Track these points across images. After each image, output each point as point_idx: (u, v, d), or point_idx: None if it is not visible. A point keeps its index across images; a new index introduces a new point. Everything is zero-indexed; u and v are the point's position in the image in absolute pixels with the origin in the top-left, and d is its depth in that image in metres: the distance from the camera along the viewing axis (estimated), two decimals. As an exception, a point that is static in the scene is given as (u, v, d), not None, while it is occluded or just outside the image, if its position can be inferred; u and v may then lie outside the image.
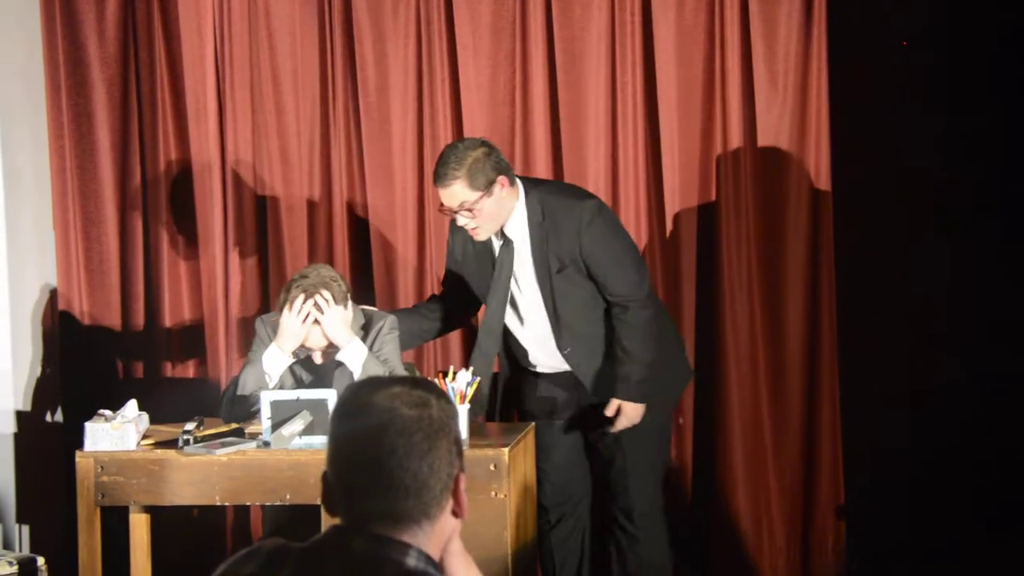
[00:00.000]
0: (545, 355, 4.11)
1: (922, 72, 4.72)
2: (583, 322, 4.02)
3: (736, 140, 4.62)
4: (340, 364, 3.92)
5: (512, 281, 4.04)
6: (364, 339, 4.01)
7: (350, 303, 3.98)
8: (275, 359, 3.89)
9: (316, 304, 3.83)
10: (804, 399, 4.63)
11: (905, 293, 4.74)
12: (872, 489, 4.68)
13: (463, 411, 3.69)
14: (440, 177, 3.87)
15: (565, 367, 4.08)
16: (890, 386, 4.70)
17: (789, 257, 4.64)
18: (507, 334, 4.14)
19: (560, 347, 4.04)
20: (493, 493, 3.58)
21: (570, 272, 3.96)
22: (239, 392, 3.93)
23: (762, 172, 4.62)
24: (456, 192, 3.85)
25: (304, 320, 3.84)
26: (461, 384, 3.74)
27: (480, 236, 3.95)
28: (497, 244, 4.03)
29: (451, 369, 3.86)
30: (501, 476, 3.59)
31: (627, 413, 3.99)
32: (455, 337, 4.79)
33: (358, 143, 4.84)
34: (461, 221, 3.91)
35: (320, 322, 3.84)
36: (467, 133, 4.72)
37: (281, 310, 3.89)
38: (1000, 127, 4.67)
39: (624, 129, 4.65)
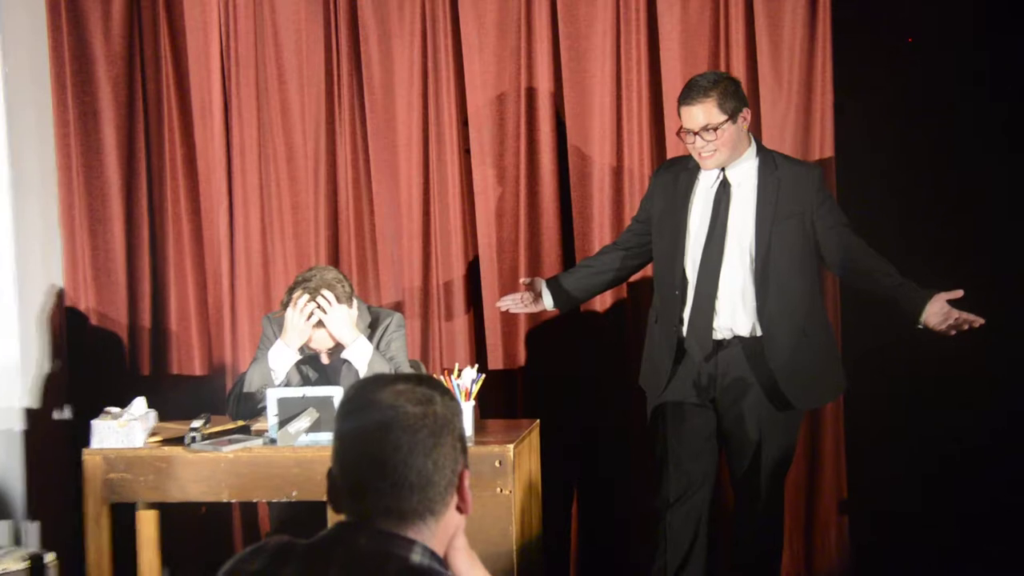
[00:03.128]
0: (735, 314, 3.93)
1: (928, 68, 4.72)
2: (788, 278, 3.91)
3: (741, 136, 4.62)
4: (347, 362, 3.96)
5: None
6: (371, 337, 4.05)
7: (356, 301, 4.02)
8: (281, 355, 3.93)
9: (319, 305, 3.88)
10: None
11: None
12: (875, 484, 4.70)
13: (468, 408, 3.73)
14: (690, 94, 3.90)
15: (746, 332, 3.93)
16: (893, 381, 4.71)
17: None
18: (676, 297, 3.98)
19: (757, 299, 3.90)
20: (498, 489, 3.61)
21: (793, 225, 3.91)
22: (245, 389, 3.97)
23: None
24: (705, 111, 3.87)
25: (308, 317, 3.88)
26: (466, 381, 3.77)
27: (711, 163, 3.92)
28: (712, 187, 3.97)
29: (456, 366, 3.89)
30: (506, 472, 3.61)
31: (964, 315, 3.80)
32: (461, 334, 4.81)
33: (363, 140, 4.86)
34: (699, 144, 3.89)
35: (324, 321, 3.89)
36: (472, 131, 4.75)
37: (284, 308, 3.93)
38: (1013, 123, 4.68)
39: (629, 126, 4.67)
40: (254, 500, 3.85)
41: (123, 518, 4.02)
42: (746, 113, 3.93)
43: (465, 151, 4.81)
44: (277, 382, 3.93)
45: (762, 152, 4.02)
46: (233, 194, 4.92)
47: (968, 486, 4.69)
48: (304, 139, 4.88)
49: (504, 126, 4.77)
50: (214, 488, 3.72)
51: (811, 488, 4.67)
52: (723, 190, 3.96)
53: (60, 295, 4.92)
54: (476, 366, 3.90)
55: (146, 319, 4.99)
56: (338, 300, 3.92)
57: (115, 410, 3.86)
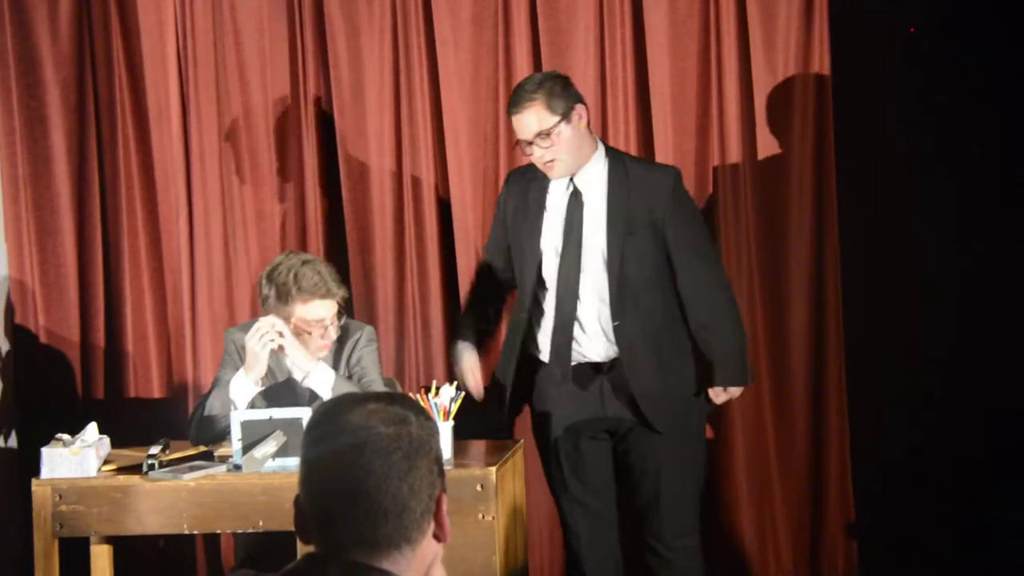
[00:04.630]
0: (594, 333, 3.91)
1: (930, 59, 4.73)
2: (645, 294, 3.87)
3: (734, 136, 4.62)
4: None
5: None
6: (339, 351, 4.00)
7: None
8: (242, 387, 3.86)
9: (279, 331, 3.81)
10: (810, 411, 4.63)
11: (917, 296, 4.75)
12: (884, 505, 4.68)
13: (446, 428, 3.69)
14: (515, 102, 3.84)
15: (610, 353, 3.91)
16: (901, 395, 4.70)
17: (792, 261, 4.65)
18: (537, 319, 3.99)
19: (614, 317, 3.86)
20: (480, 515, 3.57)
21: (646, 236, 3.86)
22: (206, 414, 3.91)
23: (762, 171, 4.63)
24: (534, 117, 3.80)
25: (264, 347, 3.82)
26: (445, 400, 3.73)
27: (555, 171, 3.86)
28: (563, 197, 3.92)
29: (434, 384, 3.85)
30: (489, 497, 3.58)
31: (731, 396, 3.98)
32: (439, 349, 4.79)
33: (332, 145, 4.84)
34: (537, 153, 3.83)
35: (283, 347, 3.83)
36: (448, 132, 4.74)
37: (264, 303, 3.88)
38: (1012, 116, 4.69)
39: (615, 126, 4.66)
40: (217, 531, 3.82)
41: (75, 553, 3.97)
42: (581, 110, 3.85)
43: (440, 155, 4.79)
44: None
45: (611, 155, 3.95)
46: (193, 204, 4.89)
47: (982, 505, 4.69)
48: (268, 144, 4.86)
49: (481, 128, 4.76)
50: (174, 519, 3.66)
51: (815, 511, 4.65)
52: (575, 200, 3.90)
53: (7, 313, 4.86)
54: (455, 384, 3.86)
55: (100, 338, 4.95)
56: (340, 287, 3.94)
57: (66, 437, 3.81)
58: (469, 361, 4.11)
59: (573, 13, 4.67)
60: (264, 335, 3.80)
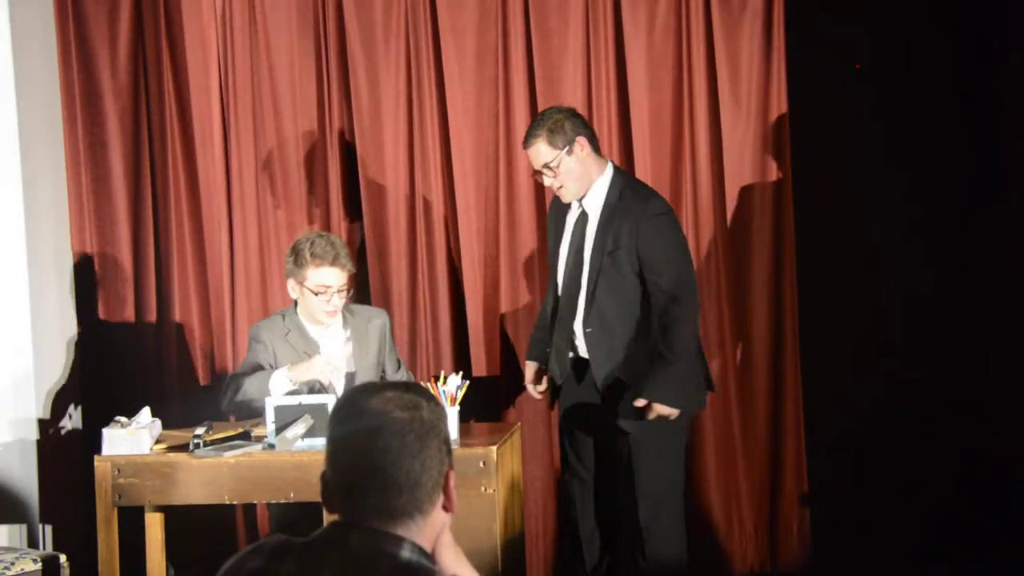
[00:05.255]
0: (579, 333, 3.92)
1: (874, 90, 4.75)
2: (613, 313, 3.82)
3: (704, 157, 4.63)
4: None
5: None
6: (365, 328, 4.12)
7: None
8: (281, 385, 3.91)
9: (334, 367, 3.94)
10: (770, 398, 4.64)
11: (863, 297, 4.77)
12: (833, 479, 4.69)
13: (453, 413, 3.70)
14: (525, 139, 3.90)
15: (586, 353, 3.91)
16: (848, 386, 4.72)
17: (754, 267, 4.65)
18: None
19: (584, 324, 3.86)
20: (483, 489, 3.58)
21: (620, 256, 3.80)
22: (240, 398, 3.94)
23: (728, 187, 4.63)
24: (538, 151, 3.85)
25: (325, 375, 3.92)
26: (452, 387, 3.74)
27: (565, 196, 3.89)
28: (575, 216, 3.94)
29: (442, 373, 3.87)
30: (490, 472, 3.58)
31: (659, 412, 3.77)
32: (446, 343, 4.79)
33: (353, 164, 4.84)
34: (547, 181, 3.88)
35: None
36: (454, 154, 4.74)
37: (287, 272, 4.00)
38: (956, 135, 4.71)
39: (600, 148, 4.64)
40: (254, 502, 3.82)
41: (131, 521, 3.98)
42: (582, 142, 3.83)
43: (448, 174, 4.79)
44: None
45: (616, 179, 3.90)
46: (233, 217, 4.88)
47: (922, 479, 4.70)
48: (298, 164, 4.86)
49: (484, 150, 4.76)
50: (216, 491, 3.68)
51: (774, 483, 4.66)
52: (582, 220, 3.92)
53: (72, 314, 4.87)
54: (461, 373, 3.87)
55: (152, 334, 4.94)
56: (352, 265, 4.03)
57: (123, 419, 3.82)
58: (528, 375, 4.17)
59: (564, 51, 4.68)
60: (332, 371, 3.92)
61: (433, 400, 1.86)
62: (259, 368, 4.01)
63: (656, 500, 3.89)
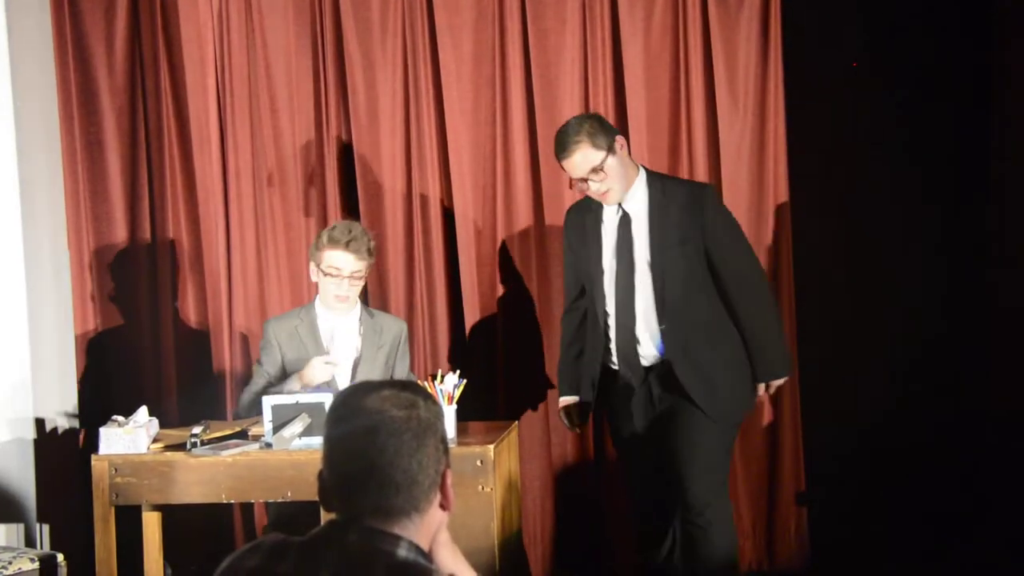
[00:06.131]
0: (646, 341, 3.79)
1: (871, 88, 4.75)
2: (686, 301, 3.74)
3: (701, 156, 4.63)
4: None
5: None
6: (380, 337, 4.15)
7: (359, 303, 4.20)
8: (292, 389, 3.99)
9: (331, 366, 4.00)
10: (769, 401, 4.63)
11: (861, 296, 4.78)
12: (831, 478, 4.70)
13: (450, 411, 3.70)
14: (564, 147, 3.72)
15: (658, 356, 3.79)
16: (845, 387, 4.72)
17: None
18: (608, 333, 3.85)
19: (659, 322, 3.76)
20: (480, 487, 3.58)
21: (688, 249, 3.73)
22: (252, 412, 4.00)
23: (725, 185, 4.64)
24: (584, 157, 3.70)
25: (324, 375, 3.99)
26: (449, 386, 3.74)
27: (611, 198, 3.76)
28: (613, 220, 3.82)
29: (439, 372, 3.86)
30: (487, 471, 3.58)
31: (773, 388, 3.88)
32: (443, 342, 4.79)
33: (350, 163, 4.84)
34: (593, 187, 3.73)
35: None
36: (451, 152, 4.73)
37: (319, 244, 4.06)
38: (953, 134, 4.71)
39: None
40: (252, 500, 3.81)
41: (129, 520, 3.97)
42: (621, 140, 3.76)
43: (445, 172, 4.79)
44: None
45: (650, 176, 3.84)
46: (230, 216, 4.88)
47: (925, 477, 4.71)
48: (295, 163, 4.86)
49: (481, 149, 4.76)
50: (214, 490, 3.68)
51: (772, 481, 4.66)
52: (624, 223, 3.80)
53: (69, 313, 4.86)
54: (458, 372, 3.87)
55: (149, 334, 4.94)
56: (369, 254, 4.07)
57: (121, 418, 3.82)
58: (567, 409, 4.01)
59: (561, 49, 4.68)
60: (332, 368, 3.99)
61: (430, 399, 1.86)
62: (260, 370, 4.08)
63: (710, 484, 3.74)
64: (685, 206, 3.75)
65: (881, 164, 4.75)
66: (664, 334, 3.76)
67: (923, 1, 4.73)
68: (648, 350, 3.80)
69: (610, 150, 3.72)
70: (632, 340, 3.80)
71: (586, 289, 3.96)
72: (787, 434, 4.63)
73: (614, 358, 3.86)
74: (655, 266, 3.75)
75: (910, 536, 4.63)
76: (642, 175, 3.83)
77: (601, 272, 3.85)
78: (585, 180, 3.74)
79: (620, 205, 3.80)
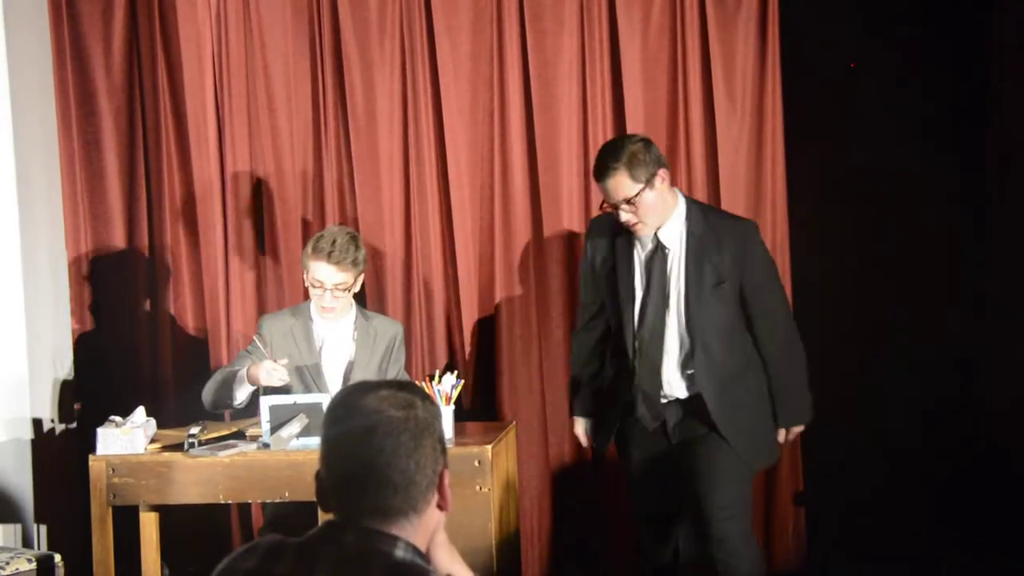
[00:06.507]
0: (675, 378, 3.68)
1: (869, 89, 4.75)
2: (718, 341, 3.62)
3: (698, 156, 4.63)
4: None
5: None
6: (375, 339, 4.10)
7: (354, 305, 4.14)
8: (244, 388, 3.99)
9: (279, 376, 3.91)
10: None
11: (860, 295, 4.77)
12: (829, 478, 4.70)
13: (447, 412, 3.69)
14: (600, 171, 3.57)
15: (686, 392, 3.68)
16: (846, 383, 4.72)
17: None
18: (630, 361, 3.70)
19: (685, 365, 3.65)
20: (478, 487, 3.57)
21: (726, 289, 3.60)
22: (207, 396, 4.02)
23: (723, 186, 4.64)
24: (618, 185, 3.53)
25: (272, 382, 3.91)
26: (446, 386, 3.74)
27: (644, 231, 3.60)
28: (645, 250, 3.68)
29: (437, 372, 3.86)
30: (485, 471, 3.58)
31: (793, 434, 3.81)
32: (441, 342, 4.78)
33: (348, 163, 4.83)
34: (624, 216, 3.56)
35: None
36: (449, 153, 4.73)
37: (305, 253, 3.99)
38: (952, 133, 4.71)
39: (595, 147, 4.61)
40: (249, 501, 3.82)
41: (126, 520, 3.97)
42: (663, 174, 3.57)
43: (443, 173, 4.79)
44: (236, 403, 4.00)
45: (691, 207, 3.67)
46: (227, 216, 4.86)
47: (924, 477, 4.71)
48: (293, 163, 4.85)
49: (479, 149, 4.75)
50: (211, 490, 3.68)
51: (769, 482, 4.66)
52: (658, 255, 3.64)
53: (66, 313, 4.86)
54: (456, 371, 3.86)
55: (146, 335, 4.93)
56: (354, 266, 3.97)
57: (118, 419, 3.82)
58: (579, 430, 3.97)
59: (559, 50, 4.68)
60: (277, 377, 3.88)
61: (428, 399, 1.86)
62: (247, 360, 4.05)
63: (732, 501, 3.65)
64: (728, 243, 3.61)
65: (880, 164, 4.74)
66: (690, 378, 3.65)
67: (922, 1, 4.72)
68: (672, 389, 3.69)
69: (648, 183, 3.54)
70: (657, 378, 3.68)
71: (608, 311, 3.81)
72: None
73: (635, 390, 3.72)
74: (690, 307, 3.61)
75: (910, 536, 4.62)
76: (681, 205, 3.66)
77: (633, 303, 3.69)
78: (617, 207, 3.58)
79: (656, 234, 3.64)
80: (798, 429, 3.84)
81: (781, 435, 3.81)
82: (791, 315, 3.85)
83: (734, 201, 4.61)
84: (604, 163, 3.58)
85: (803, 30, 4.66)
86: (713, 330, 3.62)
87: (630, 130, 4.61)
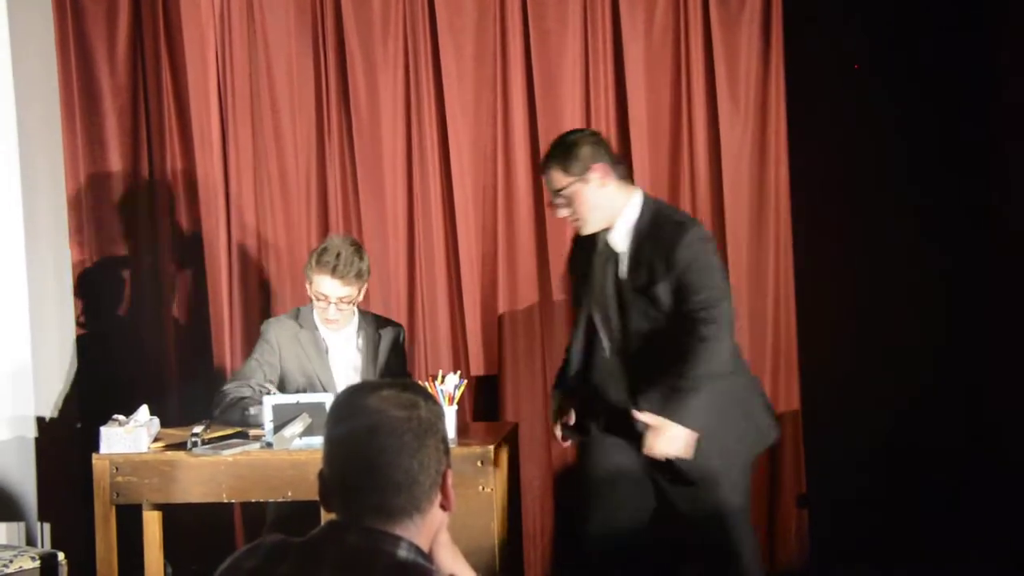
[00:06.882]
0: (630, 383, 3.49)
1: (873, 90, 4.75)
2: (655, 343, 3.42)
3: (702, 157, 4.63)
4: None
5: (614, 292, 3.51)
6: (377, 339, 4.09)
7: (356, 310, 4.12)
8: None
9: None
10: (769, 398, 4.62)
11: (861, 296, 4.77)
12: (832, 479, 4.70)
13: (450, 412, 3.69)
14: (541, 165, 3.55)
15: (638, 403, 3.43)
16: (847, 384, 4.72)
17: (752, 265, 4.65)
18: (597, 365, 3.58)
19: (626, 368, 3.49)
20: (480, 487, 3.57)
21: (658, 292, 3.38)
22: (220, 415, 3.98)
23: (726, 187, 4.63)
24: (550, 177, 3.46)
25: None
26: (449, 387, 3.73)
27: (583, 229, 3.48)
28: (603, 253, 3.53)
29: (440, 372, 3.86)
30: (488, 471, 3.58)
31: (664, 433, 3.33)
32: (444, 342, 4.78)
33: (351, 163, 4.84)
34: (560, 212, 3.48)
35: None
36: (452, 153, 4.73)
37: (309, 265, 3.97)
38: (954, 134, 4.71)
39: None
40: (252, 500, 3.81)
41: (129, 519, 3.97)
42: (600, 168, 3.41)
43: (446, 173, 4.79)
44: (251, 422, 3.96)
45: (644, 208, 3.48)
46: (231, 215, 4.87)
47: (926, 478, 4.71)
48: (296, 163, 4.85)
49: (482, 149, 4.76)
50: (214, 489, 3.67)
51: (772, 483, 4.66)
52: (611, 258, 3.50)
53: (70, 312, 4.86)
54: (459, 372, 3.86)
55: (150, 333, 4.94)
56: (359, 278, 3.95)
57: (121, 417, 3.81)
58: (552, 407, 3.77)
59: (562, 51, 4.68)
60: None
61: (431, 399, 1.85)
62: (256, 367, 4.03)
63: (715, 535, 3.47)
64: (661, 244, 3.39)
65: (883, 165, 4.74)
66: (628, 384, 3.46)
67: (924, 2, 4.72)
68: (631, 398, 3.46)
69: (581, 177, 3.41)
70: (620, 384, 3.51)
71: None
72: (787, 436, 4.62)
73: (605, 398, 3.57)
74: (625, 304, 3.46)
75: (910, 537, 4.62)
76: (635, 206, 3.48)
77: (587, 305, 3.59)
78: (553, 202, 3.51)
79: (606, 238, 3.51)
80: (654, 422, 3.33)
81: (643, 416, 3.36)
82: (725, 320, 3.35)
83: (737, 201, 4.62)
84: (544, 156, 3.57)
85: (806, 31, 4.66)
86: (650, 334, 3.43)
87: (633, 130, 4.62)
